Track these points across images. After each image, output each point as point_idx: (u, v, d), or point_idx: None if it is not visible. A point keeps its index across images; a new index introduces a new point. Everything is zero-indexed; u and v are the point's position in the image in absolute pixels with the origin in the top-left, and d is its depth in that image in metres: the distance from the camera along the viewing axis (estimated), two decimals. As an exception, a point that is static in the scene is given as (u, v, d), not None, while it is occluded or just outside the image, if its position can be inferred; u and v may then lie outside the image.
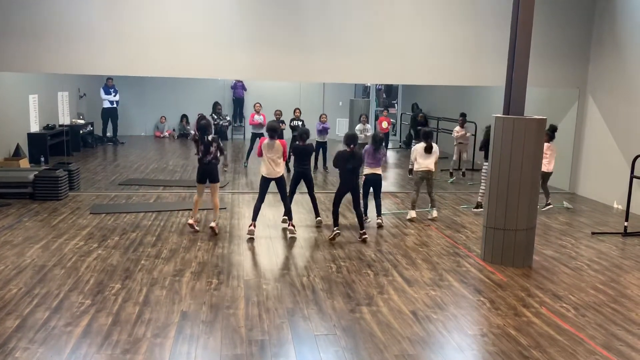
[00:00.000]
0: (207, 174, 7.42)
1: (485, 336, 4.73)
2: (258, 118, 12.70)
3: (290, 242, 7.30)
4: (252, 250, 6.92)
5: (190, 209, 8.70)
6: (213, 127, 7.37)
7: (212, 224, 7.46)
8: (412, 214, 8.43)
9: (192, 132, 7.31)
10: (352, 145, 7.44)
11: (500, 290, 5.79)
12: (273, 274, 6.07)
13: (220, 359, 4.21)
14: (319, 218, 8.01)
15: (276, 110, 12.35)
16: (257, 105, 12.95)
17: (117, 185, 10.55)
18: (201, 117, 7.60)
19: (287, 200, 7.57)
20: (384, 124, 14.07)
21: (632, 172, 8.04)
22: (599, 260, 6.88)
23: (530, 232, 6.56)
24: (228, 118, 13.71)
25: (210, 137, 7.38)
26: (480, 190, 8.89)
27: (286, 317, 4.97)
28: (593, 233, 8.07)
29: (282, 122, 12.27)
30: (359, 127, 12.50)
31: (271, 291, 5.55)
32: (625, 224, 8.00)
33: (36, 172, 9.17)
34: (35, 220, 7.85)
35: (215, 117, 11.88)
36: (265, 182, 7.42)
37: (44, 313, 4.87)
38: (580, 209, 9.72)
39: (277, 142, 7.37)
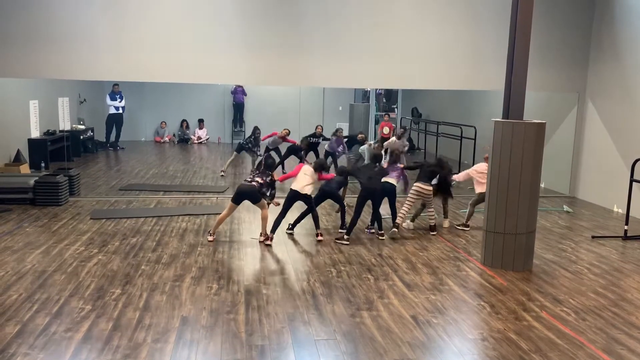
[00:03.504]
0: (245, 195, 7.27)
1: (486, 340, 4.73)
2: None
3: (290, 247, 7.31)
4: (252, 255, 6.92)
5: (191, 214, 8.72)
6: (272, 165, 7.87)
7: (261, 237, 7.42)
8: (410, 225, 8.39)
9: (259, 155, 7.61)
10: (377, 164, 7.97)
11: (500, 294, 5.79)
12: (273, 279, 6.07)
13: (221, 364, 4.21)
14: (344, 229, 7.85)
15: (318, 126, 12.71)
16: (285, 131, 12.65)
17: (117, 190, 10.56)
18: (268, 156, 8.33)
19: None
20: (385, 129, 14.06)
21: (631, 175, 8.04)
22: (599, 264, 6.87)
23: (530, 235, 6.56)
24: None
25: (264, 173, 7.42)
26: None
27: (286, 322, 4.97)
28: (593, 237, 8.07)
29: (323, 136, 12.60)
30: (364, 147, 12.29)
31: (271, 296, 5.55)
32: (626, 227, 8.00)
33: (36, 178, 9.17)
34: (35, 226, 7.86)
35: (253, 142, 12.22)
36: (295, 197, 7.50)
37: (44, 318, 4.87)
38: (581, 212, 9.72)
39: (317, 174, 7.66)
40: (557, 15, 10.36)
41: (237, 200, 7.31)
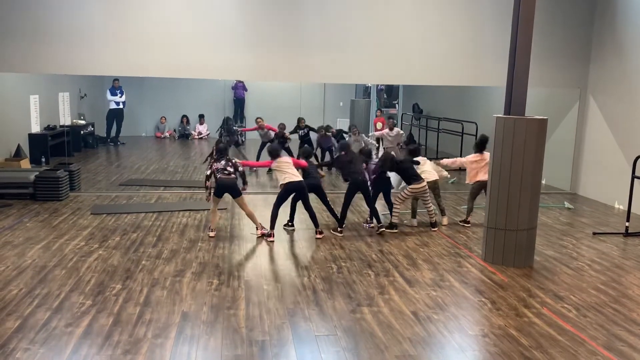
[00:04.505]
0: (226, 188, 7.24)
1: (487, 337, 4.72)
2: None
3: (290, 242, 7.30)
4: (253, 250, 6.92)
5: (192, 210, 8.72)
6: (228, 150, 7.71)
7: (258, 232, 7.40)
8: (414, 222, 8.37)
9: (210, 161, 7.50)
10: (343, 152, 7.84)
11: (501, 290, 5.78)
12: (274, 275, 6.06)
13: (221, 359, 4.20)
14: (340, 228, 7.78)
15: (300, 119, 12.78)
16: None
17: (117, 185, 10.55)
18: (219, 141, 8.31)
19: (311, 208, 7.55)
20: (379, 125, 14.12)
21: (633, 172, 8.03)
22: (600, 260, 6.87)
23: (531, 232, 6.55)
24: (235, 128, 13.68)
25: (226, 159, 7.33)
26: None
27: (287, 317, 4.96)
28: (594, 233, 8.06)
29: (308, 127, 12.66)
30: (350, 140, 12.23)
31: (272, 292, 5.55)
32: (627, 224, 7.98)
33: (37, 173, 9.17)
34: (36, 221, 7.85)
35: (226, 133, 12.22)
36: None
37: (45, 314, 4.87)
38: (582, 209, 9.71)
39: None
40: (558, 12, 10.32)
41: (219, 193, 7.29)
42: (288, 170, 7.34)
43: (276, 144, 8.59)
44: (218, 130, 12.41)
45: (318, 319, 4.94)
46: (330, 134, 12.23)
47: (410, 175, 7.90)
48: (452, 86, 14.14)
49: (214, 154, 7.48)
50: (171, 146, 16.78)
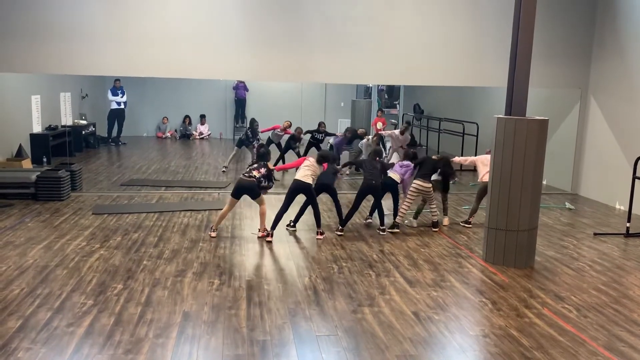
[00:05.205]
0: (244, 190, 7.22)
1: (487, 337, 4.73)
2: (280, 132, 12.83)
3: (291, 242, 7.31)
4: (254, 250, 6.92)
5: (193, 210, 8.73)
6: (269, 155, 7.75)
7: (259, 233, 7.42)
8: (414, 223, 8.37)
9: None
10: (377, 158, 7.95)
11: (502, 291, 5.78)
12: (275, 275, 6.07)
13: (222, 359, 4.21)
14: (341, 227, 7.79)
15: (321, 123, 13.11)
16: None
17: (119, 185, 10.56)
18: (261, 145, 8.66)
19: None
20: (379, 125, 14.13)
21: (634, 172, 8.02)
22: (601, 261, 6.87)
23: (532, 232, 6.55)
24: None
25: (259, 164, 7.34)
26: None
27: (288, 317, 4.97)
28: (595, 234, 8.06)
29: (325, 132, 12.91)
30: (363, 142, 12.44)
31: (273, 292, 5.56)
32: (628, 224, 7.98)
33: (38, 173, 9.18)
34: (37, 221, 7.87)
35: (251, 134, 12.18)
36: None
37: (46, 313, 4.88)
38: (582, 209, 9.71)
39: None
40: (559, 11, 10.32)
41: (236, 194, 7.28)
42: (304, 171, 7.46)
43: (329, 151, 8.76)
44: (243, 134, 12.36)
45: (319, 319, 4.95)
46: (349, 134, 12.33)
47: (426, 172, 7.95)
48: (453, 86, 14.15)
49: (254, 159, 7.55)
50: (172, 146, 16.79)
